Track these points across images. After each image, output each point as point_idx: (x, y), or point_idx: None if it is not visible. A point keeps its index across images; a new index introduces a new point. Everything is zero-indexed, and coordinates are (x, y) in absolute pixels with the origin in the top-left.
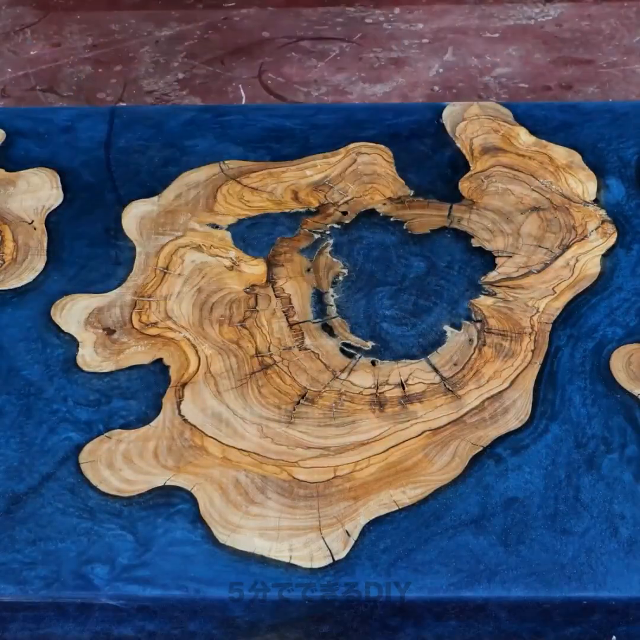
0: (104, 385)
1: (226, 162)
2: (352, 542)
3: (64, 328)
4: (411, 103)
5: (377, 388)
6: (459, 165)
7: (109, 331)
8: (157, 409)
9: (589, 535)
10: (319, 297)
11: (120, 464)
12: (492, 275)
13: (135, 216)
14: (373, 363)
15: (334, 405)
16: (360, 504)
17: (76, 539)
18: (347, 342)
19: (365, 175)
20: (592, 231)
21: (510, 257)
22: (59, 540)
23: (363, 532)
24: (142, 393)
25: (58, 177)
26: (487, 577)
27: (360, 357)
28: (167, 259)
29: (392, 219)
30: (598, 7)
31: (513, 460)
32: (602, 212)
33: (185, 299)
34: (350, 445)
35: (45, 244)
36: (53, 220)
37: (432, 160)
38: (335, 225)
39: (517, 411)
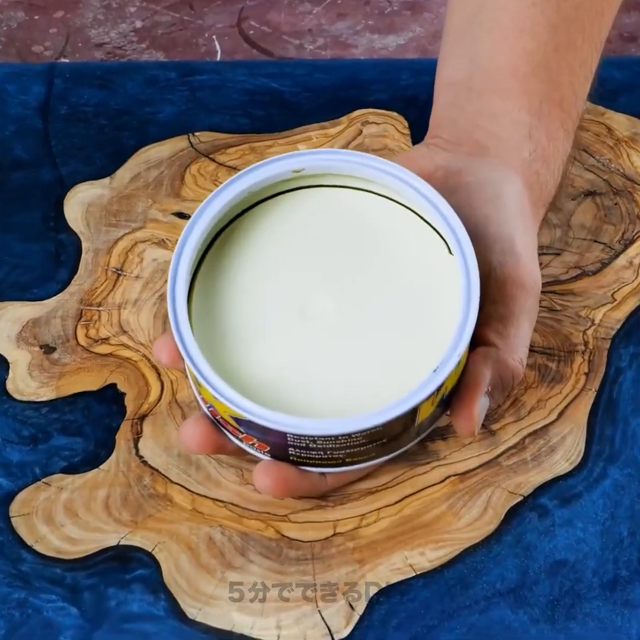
0: (41, 417)
1: (196, 133)
2: (356, 618)
3: None
4: (431, 59)
5: None
6: None
7: (48, 349)
8: (109, 448)
9: None
10: None
11: (62, 518)
12: None
13: (80, 202)
14: None
15: None
16: (367, 568)
17: (6, 614)
18: None
19: (374, 150)
20: None
21: (558, 254)
22: None
23: (371, 605)
24: (90, 428)
25: None
26: None
27: None
28: (122, 256)
29: None
30: None
31: (561, 513)
32: None
33: (145, 307)
34: (354, 494)
35: None
36: None
37: None
38: None
39: (567, 451)
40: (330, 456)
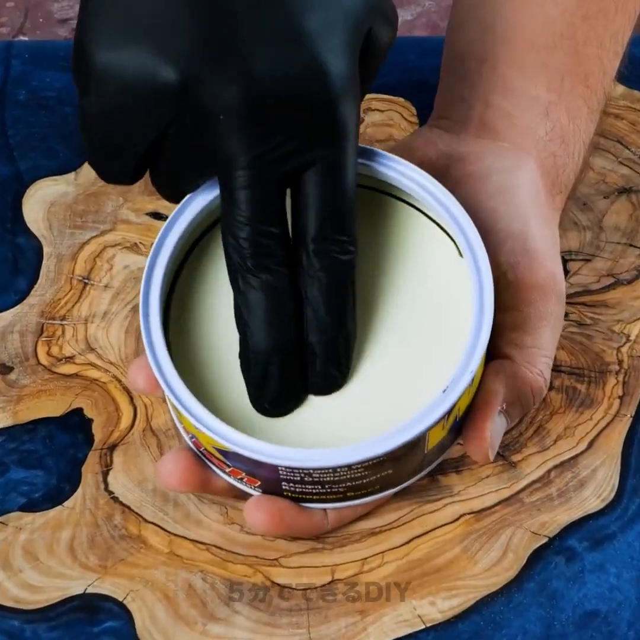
0: None
1: None
2: None
3: None
4: (442, 37)
5: None
6: None
7: (4, 369)
8: (74, 482)
9: None
10: None
11: (20, 563)
12: None
13: (41, 201)
14: None
15: None
16: (370, 620)
17: None
18: None
19: (378, 141)
20: None
21: (588, 261)
22: None
23: None
24: (52, 459)
25: None
26: None
27: None
28: (89, 263)
29: None
30: None
31: (592, 557)
32: None
33: (115, 321)
34: (355, 535)
35: None
36: None
37: None
38: None
39: (599, 486)
40: (328, 490)
